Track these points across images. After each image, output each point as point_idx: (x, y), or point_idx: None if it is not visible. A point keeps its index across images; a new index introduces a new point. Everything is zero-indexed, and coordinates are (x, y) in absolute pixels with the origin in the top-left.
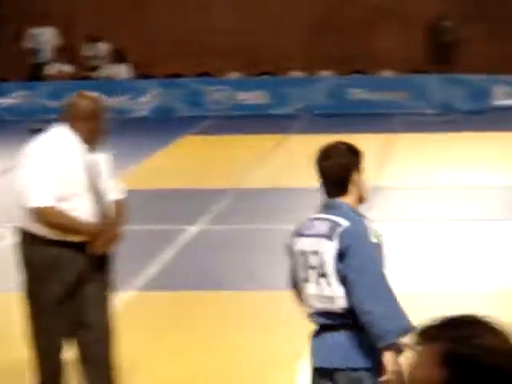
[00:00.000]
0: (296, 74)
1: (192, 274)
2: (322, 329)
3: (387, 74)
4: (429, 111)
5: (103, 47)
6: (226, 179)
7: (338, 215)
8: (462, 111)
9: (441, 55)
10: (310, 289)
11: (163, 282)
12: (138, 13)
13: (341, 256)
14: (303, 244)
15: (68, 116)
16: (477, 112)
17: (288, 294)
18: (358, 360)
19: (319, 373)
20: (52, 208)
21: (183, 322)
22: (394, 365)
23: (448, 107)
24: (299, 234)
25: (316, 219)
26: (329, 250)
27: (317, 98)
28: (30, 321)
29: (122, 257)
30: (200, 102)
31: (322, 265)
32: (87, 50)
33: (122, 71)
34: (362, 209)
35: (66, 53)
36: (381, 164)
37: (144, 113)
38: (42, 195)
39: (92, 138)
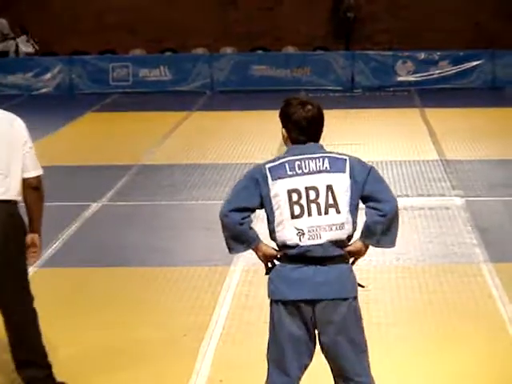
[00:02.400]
0: (199, 50)
1: (92, 251)
2: (318, 261)
3: (290, 50)
4: (332, 87)
5: (5, 23)
6: (129, 155)
7: (331, 152)
8: (366, 87)
9: (344, 32)
10: (314, 221)
11: (63, 258)
12: None
13: (357, 183)
14: (293, 183)
15: None
16: (380, 88)
17: (188, 270)
18: (355, 289)
19: (305, 303)
20: None
21: (83, 299)
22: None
23: (351, 83)
24: (281, 176)
25: (305, 159)
26: (341, 181)
27: (220, 75)
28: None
29: None
30: (103, 78)
31: (328, 196)
32: None
33: (25, 48)
34: None
35: None
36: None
37: (48, 90)
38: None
39: None
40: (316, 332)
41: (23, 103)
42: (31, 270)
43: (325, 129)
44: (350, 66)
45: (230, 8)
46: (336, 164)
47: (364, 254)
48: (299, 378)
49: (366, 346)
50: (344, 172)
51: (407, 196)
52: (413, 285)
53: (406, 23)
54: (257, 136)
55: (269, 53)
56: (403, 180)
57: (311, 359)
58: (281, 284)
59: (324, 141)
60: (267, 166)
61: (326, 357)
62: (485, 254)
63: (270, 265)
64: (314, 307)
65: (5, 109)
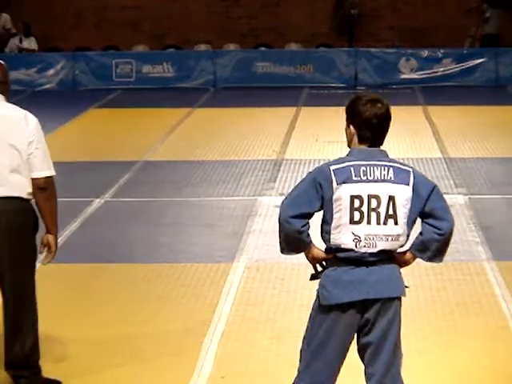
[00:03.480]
0: (202, 47)
1: (95, 247)
2: (369, 263)
3: (293, 47)
4: (335, 85)
5: (8, 19)
6: (132, 152)
7: (396, 162)
8: (369, 84)
9: (347, 28)
10: (372, 230)
11: (65, 255)
12: None
13: (419, 197)
14: (357, 189)
15: (7, 82)
16: (384, 85)
17: (191, 266)
18: (404, 289)
19: (357, 305)
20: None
21: (87, 295)
22: None
23: (355, 81)
24: (346, 180)
25: (370, 166)
26: (403, 193)
27: (223, 72)
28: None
29: None
30: (106, 74)
31: (389, 207)
32: None
33: (28, 44)
34: None
35: None
36: (287, 137)
37: (51, 85)
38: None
39: None
40: (356, 334)
41: (26, 99)
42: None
43: (327, 126)
44: (354, 64)
45: (233, 4)
46: (400, 175)
47: (410, 264)
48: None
49: (400, 345)
50: (407, 184)
51: None
52: (415, 282)
53: (410, 21)
54: (260, 133)
55: (272, 50)
56: None
57: (340, 368)
58: (334, 288)
59: (327, 137)
60: (332, 167)
61: (364, 357)
62: (488, 251)
63: (319, 268)
64: (365, 308)
65: None
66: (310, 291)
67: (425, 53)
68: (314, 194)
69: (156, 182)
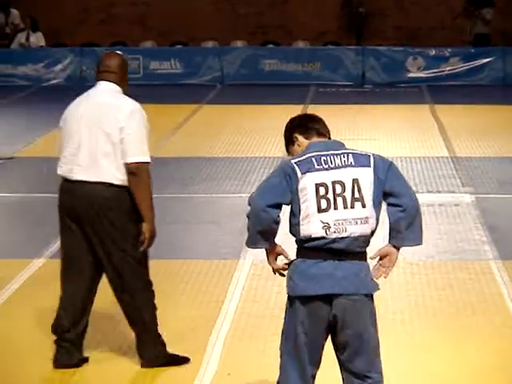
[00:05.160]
0: (209, 43)
1: None
2: (340, 254)
3: (301, 45)
4: (343, 83)
5: (16, 15)
6: None
7: (354, 150)
8: (376, 83)
9: (355, 27)
10: (339, 214)
11: None
12: None
13: (379, 179)
14: (320, 177)
15: (121, 73)
16: (391, 84)
17: (197, 263)
18: (373, 287)
19: (324, 299)
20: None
21: None
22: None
23: (362, 79)
24: (310, 170)
25: (330, 155)
26: (367, 176)
27: (230, 68)
28: None
29: (34, 225)
30: None
31: (354, 190)
32: None
33: (35, 39)
34: None
35: None
36: None
37: (59, 81)
38: (147, 151)
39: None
40: (329, 330)
41: (34, 94)
42: (41, 261)
43: (335, 123)
44: (361, 62)
45: (240, 1)
46: (360, 159)
47: (395, 256)
48: (313, 376)
49: (379, 343)
50: (369, 166)
51: (417, 192)
52: (421, 281)
53: (417, 19)
54: (267, 130)
55: (279, 47)
56: (413, 176)
57: (321, 357)
58: (300, 281)
59: (333, 135)
60: (293, 161)
61: (339, 354)
62: (494, 251)
63: (284, 261)
64: (332, 303)
65: (16, 100)
66: None
67: (432, 52)
68: (286, 185)
69: (162, 178)
